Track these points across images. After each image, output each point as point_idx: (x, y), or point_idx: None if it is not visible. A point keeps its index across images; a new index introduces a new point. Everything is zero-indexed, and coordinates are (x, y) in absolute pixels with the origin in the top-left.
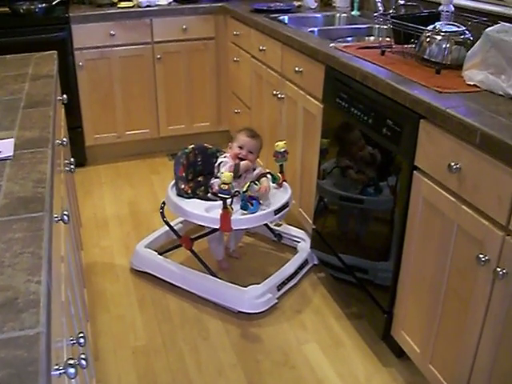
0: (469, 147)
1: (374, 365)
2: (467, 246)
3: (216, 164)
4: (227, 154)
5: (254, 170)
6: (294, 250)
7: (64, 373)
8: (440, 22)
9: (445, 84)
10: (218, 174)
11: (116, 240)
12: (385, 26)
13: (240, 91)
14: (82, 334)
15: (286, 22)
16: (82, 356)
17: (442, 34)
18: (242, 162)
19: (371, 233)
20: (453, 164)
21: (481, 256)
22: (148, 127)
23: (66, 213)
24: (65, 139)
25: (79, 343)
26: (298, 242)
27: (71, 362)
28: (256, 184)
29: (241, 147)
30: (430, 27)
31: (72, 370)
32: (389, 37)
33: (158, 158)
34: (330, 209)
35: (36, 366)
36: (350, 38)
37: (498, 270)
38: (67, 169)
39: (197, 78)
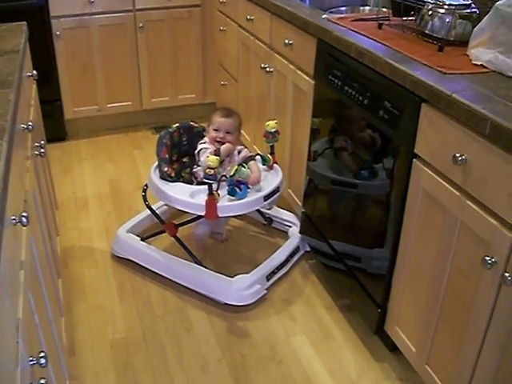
0: (477, 137)
1: (366, 359)
2: (472, 246)
3: (196, 152)
4: (206, 140)
5: (240, 152)
6: (285, 235)
7: None
8: None
9: (449, 63)
10: (199, 163)
11: (96, 221)
12: None
13: (227, 62)
14: (42, 354)
15: None
16: (42, 381)
17: (446, 6)
18: (223, 146)
19: (365, 218)
20: (458, 155)
21: (487, 258)
22: (130, 99)
23: (24, 214)
24: (30, 124)
25: (40, 364)
26: (290, 226)
27: None
28: (244, 167)
29: (217, 129)
30: None
31: None
32: (385, 7)
33: (140, 132)
34: (321, 192)
35: None
36: (343, 8)
37: (507, 275)
38: (37, 153)
39: (181, 47)
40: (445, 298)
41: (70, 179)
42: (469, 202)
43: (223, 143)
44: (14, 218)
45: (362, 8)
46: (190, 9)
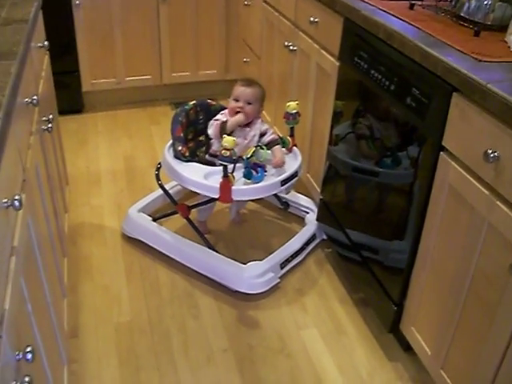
0: None
1: (379, 358)
2: (499, 251)
3: (209, 123)
4: (225, 111)
5: (264, 134)
6: (301, 221)
7: None
8: None
9: (485, 50)
10: (210, 136)
11: (108, 198)
12: None
13: (250, 39)
14: (29, 349)
15: None
16: (26, 379)
17: None
18: (231, 119)
19: (385, 209)
20: (490, 152)
21: None
22: (150, 73)
23: (17, 198)
24: (35, 97)
25: (26, 359)
26: (307, 212)
27: None
28: (263, 148)
29: (237, 99)
30: None
31: None
32: None
33: (159, 107)
34: (341, 179)
35: None
36: None
37: None
38: (44, 127)
39: (204, 21)
40: (466, 302)
41: (84, 153)
42: (498, 203)
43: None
44: (5, 201)
45: None
46: None
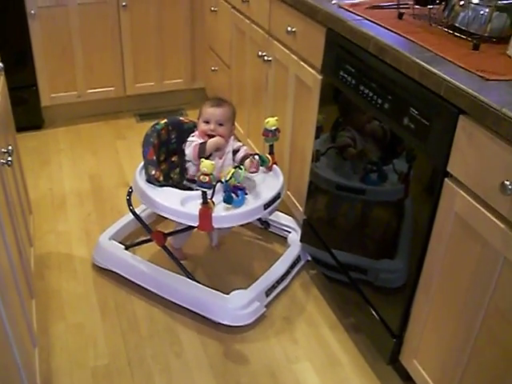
0: None
1: None
2: None
3: (183, 146)
4: (196, 133)
5: (237, 151)
6: (283, 241)
7: None
8: None
9: (488, 66)
10: (186, 157)
11: (75, 223)
12: None
13: (218, 47)
14: None
15: None
16: None
17: None
18: (210, 140)
19: (373, 226)
20: (508, 183)
21: None
22: (113, 85)
23: None
24: None
25: None
26: (289, 232)
27: None
28: (241, 169)
29: (207, 121)
30: None
31: None
32: None
33: (123, 120)
34: (324, 197)
35: None
36: None
37: None
38: (3, 161)
39: (168, 28)
40: (478, 339)
41: (46, 173)
42: None
43: (213, 136)
44: None
45: None
46: None
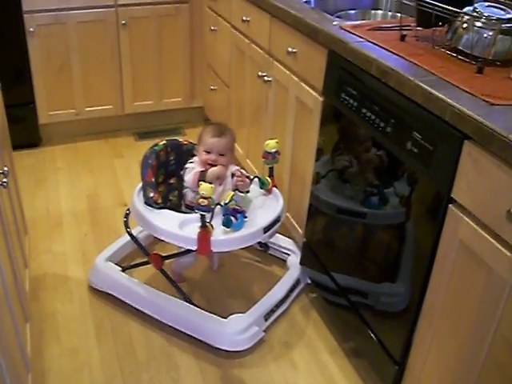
0: None
1: None
2: None
3: (182, 171)
4: (196, 159)
5: (234, 175)
6: (283, 263)
7: None
8: (480, 3)
9: (493, 90)
10: (185, 183)
11: (71, 244)
12: None
13: (217, 66)
14: None
15: None
16: None
17: (485, 19)
18: (211, 169)
19: (374, 250)
20: None
21: None
22: (111, 103)
23: None
24: None
25: None
26: (288, 254)
27: None
28: (242, 192)
29: (208, 151)
30: (468, 9)
31: None
32: (400, 12)
33: (122, 138)
34: (325, 220)
35: None
36: (352, 12)
37: None
38: None
39: (167, 47)
40: (483, 369)
41: (43, 192)
42: None
43: (214, 165)
44: None
45: (373, 12)
46: (178, 5)
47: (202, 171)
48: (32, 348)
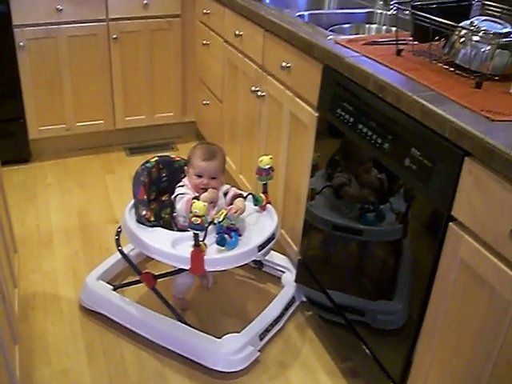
0: None
1: None
2: None
3: (173, 197)
4: (186, 182)
5: (227, 193)
6: (277, 281)
7: None
8: (477, 17)
9: (493, 106)
10: (176, 211)
11: (61, 262)
12: (388, 12)
13: (210, 80)
14: None
15: (267, 0)
16: None
17: (483, 33)
18: (203, 195)
19: (371, 267)
20: None
21: None
22: (102, 118)
23: None
24: None
25: None
26: (283, 271)
27: None
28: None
29: (199, 175)
30: (465, 23)
31: None
32: (394, 26)
33: (113, 154)
34: (320, 237)
35: None
36: (346, 26)
37: None
38: None
39: (159, 61)
40: None
41: (33, 209)
42: None
43: (207, 189)
44: None
45: (367, 26)
46: (170, 19)
47: (194, 197)
48: (21, 370)
